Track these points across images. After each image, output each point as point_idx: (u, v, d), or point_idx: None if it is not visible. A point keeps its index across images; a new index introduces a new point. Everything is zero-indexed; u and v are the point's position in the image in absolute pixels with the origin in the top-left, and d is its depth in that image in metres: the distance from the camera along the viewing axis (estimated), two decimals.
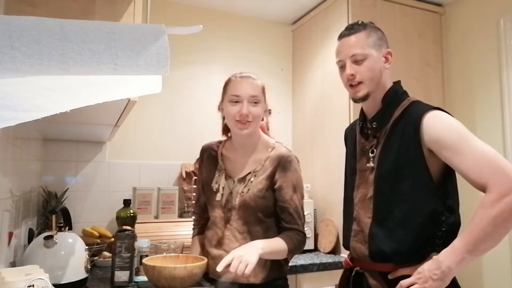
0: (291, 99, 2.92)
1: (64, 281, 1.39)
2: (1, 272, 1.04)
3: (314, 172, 2.51)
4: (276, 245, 1.32)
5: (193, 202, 2.44)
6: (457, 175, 1.19)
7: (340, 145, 2.36)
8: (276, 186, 1.40)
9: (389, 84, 1.27)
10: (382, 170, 1.20)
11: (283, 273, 1.45)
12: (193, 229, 1.64)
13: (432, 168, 1.15)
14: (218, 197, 1.44)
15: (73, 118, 1.48)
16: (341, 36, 1.28)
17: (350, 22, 2.33)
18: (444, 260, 1.06)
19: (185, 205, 2.46)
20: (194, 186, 2.45)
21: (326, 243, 2.29)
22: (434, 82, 2.50)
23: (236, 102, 1.39)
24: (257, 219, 1.39)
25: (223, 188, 1.45)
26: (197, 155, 2.60)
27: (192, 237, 1.63)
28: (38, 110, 0.78)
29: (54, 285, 1.16)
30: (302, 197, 1.44)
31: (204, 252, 1.49)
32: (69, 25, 0.60)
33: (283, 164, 1.40)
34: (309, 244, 2.30)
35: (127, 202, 2.00)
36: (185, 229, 2.24)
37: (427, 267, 1.08)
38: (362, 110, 1.34)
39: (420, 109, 1.18)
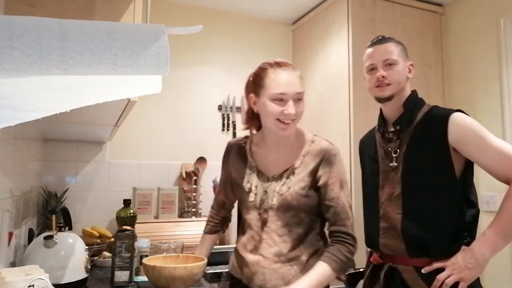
0: None
1: (64, 281, 1.39)
2: (1, 272, 1.04)
3: None
4: (318, 278, 1.16)
5: (193, 202, 2.45)
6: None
7: (340, 144, 2.36)
8: (320, 183, 1.26)
9: (408, 92, 1.41)
10: (409, 168, 1.31)
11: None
12: (206, 225, 1.54)
13: (455, 165, 1.27)
14: (252, 197, 1.30)
15: (73, 118, 1.48)
16: (372, 44, 1.43)
17: (351, 22, 2.35)
18: (477, 249, 1.17)
19: (185, 205, 2.46)
20: (194, 186, 2.46)
21: None
22: (434, 82, 2.50)
23: (281, 100, 1.20)
24: (299, 220, 1.26)
25: (255, 187, 1.31)
26: (197, 155, 2.63)
27: (203, 233, 1.53)
28: (38, 110, 0.78)
29: (54, 285, 1.16)
30: (350, 195, 1.30)
31: (238, 258, 1.36)
32: (69, 25, 0.60)
33: (327, 158, 1.26)
34: None
35: (127, 202, 2.00)
36: (185, 229, 2.24)
37: (460, 258, 1.19)
38: (382, 117, 1.45)
39: (444, 111, 1.31)
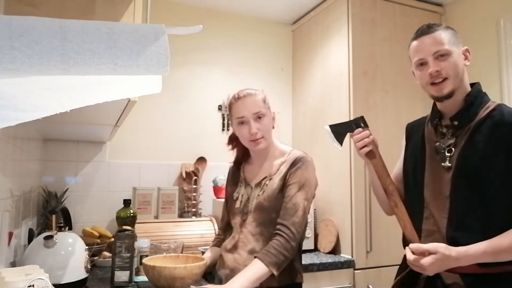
0: (291, 99, 2.92)
1: (64, 281, 1.39)
2: (1, 272, 1.04)
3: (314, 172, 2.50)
4: (253, 274, 1.25)
5: (193, 202, 2.45)
6: None
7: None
8: (285, 184, 1.41)
9: (468, 83, 1.26)
10: (463, 169, 1.18)
11: (297, 277, 1.40)
12: (213, 240, 1.67)
13: None
14: (238, 204, 1.49)
15: (73, 118, 1.48)
16: (418, 36, 1.27)
17: (351, 22, 2.35)
18: (463, 260, 1.10)
19: (185, 205, 2.46)
20: (194, 186, 2.46)
21: (326, 243, 2.29)
22: None
23: (243, 123, 1.43)
24: (271, 220, 1.39)
25: (242, 195, 1.50)
26: (197, 155, 2.63)
27: (210, 247, 1.67)
28: (38, 110, 0.78)
29: (54, 285, 1.16)
30: (308, 199, 1.39)
31: (219, 259, 1.50)
32: (69, 25, 0.60)
33: (296, 163, 1.42)
34: (309, 244, 2.30)
35: (127, 202, 2.00)
36: (185, 229, 2.24)
37: (440, 262, 1.10)
38: (436, 108, 1.31)
39: None
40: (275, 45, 2.92)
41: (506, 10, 2.21)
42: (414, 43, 1.27)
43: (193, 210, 2.44)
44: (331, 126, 1.36)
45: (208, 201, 2.55)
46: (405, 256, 1.28)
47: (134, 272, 1.58)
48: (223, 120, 2.71)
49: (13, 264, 1.43)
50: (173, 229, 2.22)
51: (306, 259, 2.08)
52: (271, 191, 1.41)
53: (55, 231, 1.47)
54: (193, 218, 2.40)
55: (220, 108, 2.71)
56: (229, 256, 1.44)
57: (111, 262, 1.55)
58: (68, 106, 0.80)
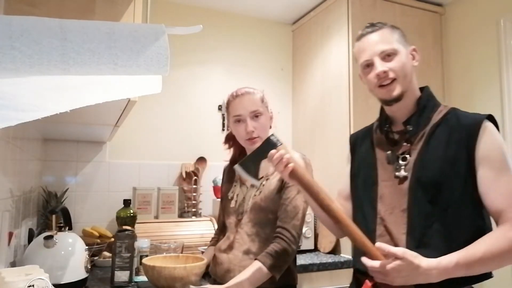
0: (291, 99, 2.92)
1: (64, 281, 1.39)
2: (1, 272, 1.04)
3: (313, 172, 2.50)
4: (253, 276, 1.24)
5: (193, 202, 2.45)
6: None
7: (340, 144, 2.37)
8: (284, 185, 1.40)
9: (417, 85, 1.18)
10: (421, 179, 1.06)
11: (291, 279, 1.39)
12: (210, 240, 1.68)
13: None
14: (233, 204, 1.47)
15: (73, 118, 1.48)
16: (362, 35, 1.17)
17: (351, 22, 2.35)
18: (435, 275, 0.96)
19: (185, 205, 2.46)
20: (194, 186, 2.46)
21: (326, 243, 2.29)
22: (434, 82, 2.50)
23: (239, 121, 1.42)
24: (268, 221, 1.37)
25: (237, 195, 1.48)
26: (197, 155, 2.63)
27: (208, 246, 1.68)
28: (38, 110, 0.78)
29: (54, 285, 1.16)
30: (307, 201, 1.35)
31: (213, 259, 1.49)
32: (69, 25, 0.60)
33: None
34: (309, 244, 2.30)
35: (127, 202, 2.01)
36: (185, 229, 2.24)
37: (406, 272, 0.95)
38: (384, 113, 1.21)
39: (474, 117, 1.08)
40: (275, 45, 2.92)
41: (506, 10, 2.21)
42: (358, 43, 1.17)
43: (193, 210, 2.44)
44: (240, 164, 1.20)
45: (208, 201, 2.55)
46: (356, 280, 1.18)
47: (134, 272, 1.58)
48: (223, 120, 2.71)
49: (13, 264, 1.43)
50: (173, 229, 2.22)
51: (306, 259, 2.08)
52: (269, 192, 1.39)
53: (55, 231, 1.47)
54: (193, 218, 2.40)
55: (220, 108, 2.71)
56: (224, 256, 1.42)
57: (111, 262, 1.55)
58: (68, 106, 0.80)
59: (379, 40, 1.12)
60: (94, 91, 0.76)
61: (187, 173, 2.50)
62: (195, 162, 2.58)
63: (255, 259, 1.29)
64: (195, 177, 2.47)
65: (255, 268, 1.26)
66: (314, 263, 2.02)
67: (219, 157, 2.71)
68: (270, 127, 1.49)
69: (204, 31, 0.84)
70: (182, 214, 2.45)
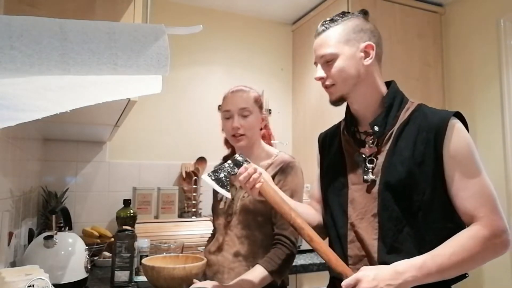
0: (291, 99, 2.92)
1: (64, 281, 1.39)
2: (1, 272, 1.04)
3: (313, 172, 2.50)
4: (256, 278, 1.23)
5: (193, 202, 2.45)
6: None
7: None
8: None
9: (380, 82, 1.13)
10: (390, 181, 1.03)
11: (282, 281, 1.38)
12: (207, 240, 1.67)
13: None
14: (222, 205, 1.47)
15: (73, 118, 1.48)
16: (315, 35, 1.16)
17: None
18: (406, 274, 0.93)
19: (185, 205, 2.46)
20: (194, 186, 2.46)
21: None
22: (434, 82, 2.50)
23: (228, 117, 1.43)
24: (257, 224, 1.37)
25: (226, 196, 1.46)
26: (197, 155, 2.63)
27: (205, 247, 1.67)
28: (38, 110, 0.78)
29: (54, 285, 1.16)
30: None
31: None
32: (69, 25, 0.60)
33: (284, 168, 1.39)
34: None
35: (127, 202, 2.01)
36: (185, 229, 2.24)
37: (382, 277, 0.93)
38: (350, 113, 1.18)
39: (441, 114, 1.04)
40: (275, 45, 2.91)
41: (506, 10, 2.21)
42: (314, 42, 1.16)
43: (193, 210, 2.44)
44: (210, 175, 1.18)
45: (208, 201, 2.53)
46: (331, 283, 1.17)
47: (134, 272, 1.58)
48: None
49: (13, 264, 1.43)
50: (173, 229, 2.22)
51: (306, 259, 2.08)
52: None
53: (55, 231, 1.47)
54: (193, 218, 2.40)
55: (220, 108, 2.70)
56: (212, 258, 1.42)
57: (111, 262, 1.55)
58: (68, 106, 0.80)
59: (321, 44, 1.12)
60: (94, 91, 0.76)
61: (187, 173, 2.50)
62: (195, 162, 2.58)
63: (257, 263, 1.28)
64: (195, 177, 2.47)
65: (258, 271, 1.26)
66: (314, 263, 2.02)
67: (219, 157, 2.70)
68: (261, 129, 1.48)
69: (204, 31, 0.83)
70: (182, 214, 2.45)
